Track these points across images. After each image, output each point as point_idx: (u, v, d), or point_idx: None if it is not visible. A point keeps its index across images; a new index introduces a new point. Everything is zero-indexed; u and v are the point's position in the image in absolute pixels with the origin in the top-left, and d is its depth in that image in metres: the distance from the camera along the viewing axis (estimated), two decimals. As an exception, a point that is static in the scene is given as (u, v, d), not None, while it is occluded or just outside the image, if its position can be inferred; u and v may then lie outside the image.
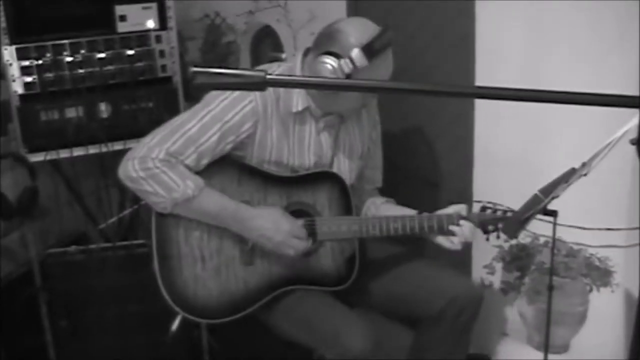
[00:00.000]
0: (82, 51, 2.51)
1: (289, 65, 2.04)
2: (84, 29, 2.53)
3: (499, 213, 2.01)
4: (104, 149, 2.56)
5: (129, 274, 2.47)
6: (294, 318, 2.01)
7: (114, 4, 2.54)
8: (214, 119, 1.91)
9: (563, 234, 2.23)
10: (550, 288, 2.02)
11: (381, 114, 2.22)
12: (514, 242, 2.43)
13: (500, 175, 2.48)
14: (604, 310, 2.37)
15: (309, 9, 2.85)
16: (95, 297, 2.50)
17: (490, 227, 2.01)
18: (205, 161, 1.93)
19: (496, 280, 2.54)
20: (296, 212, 2.01)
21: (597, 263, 2.34)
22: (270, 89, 1.93)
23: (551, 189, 1.82)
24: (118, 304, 2.50)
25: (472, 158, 2.54)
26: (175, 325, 2.12)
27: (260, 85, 1.01)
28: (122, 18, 2.55)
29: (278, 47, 3.12)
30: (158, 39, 2.61)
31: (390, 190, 2.26)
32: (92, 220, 2.87)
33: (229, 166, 1.99)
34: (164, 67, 2.64)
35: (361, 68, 1.80)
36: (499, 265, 2.50)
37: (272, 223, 1.94)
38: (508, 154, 2.46)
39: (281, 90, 1.97)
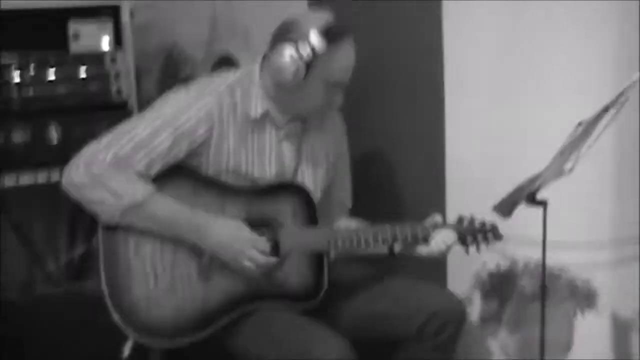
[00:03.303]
0: (31, 71, 2.39)
1: (249, 69, 1.97)
2: (34, 47, 2.41)
3: (477, 223, 1.93)
4: (53, 178, 2.42)
5: (82, 319, 2.36)
6: (262, 338, 1.83)
7: (68, 22, 2.43)
8: (165, 124, 1.81)
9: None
10: (543, 287, 1.93)
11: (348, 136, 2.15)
12: (492, 269, 2.34)
13: (474, 194, 2.36)
14: (591, 332, 2.26)
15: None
16: (49, 343, 2.38)
17: (469, 238, 1.92)
18: (156, 168, 1.81)
19: (474, 310, 2.41)
20: (257, 225, 1.88)
21: (580, 284, 2.24)
22: (227, 94, 1.88)
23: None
24: (71, 349, 2.37)
25: (444, 179, 2.43)
26: (126, 351, 1.91)
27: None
28: (76, 37, 2.45)
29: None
30: (113, 61, 2.50)
31: (361, 213, 2.15)
32: (40, 264, 2.73)
33: (183, 177, 1.87)
34: (119, 91, 2.52)
35: (320, 51, 1.80)
36: (477, 295, 2.39)
37: (230, 230, 1.83)
38: (481, 172, 2.37)
39: (238, 94, 1.90)
